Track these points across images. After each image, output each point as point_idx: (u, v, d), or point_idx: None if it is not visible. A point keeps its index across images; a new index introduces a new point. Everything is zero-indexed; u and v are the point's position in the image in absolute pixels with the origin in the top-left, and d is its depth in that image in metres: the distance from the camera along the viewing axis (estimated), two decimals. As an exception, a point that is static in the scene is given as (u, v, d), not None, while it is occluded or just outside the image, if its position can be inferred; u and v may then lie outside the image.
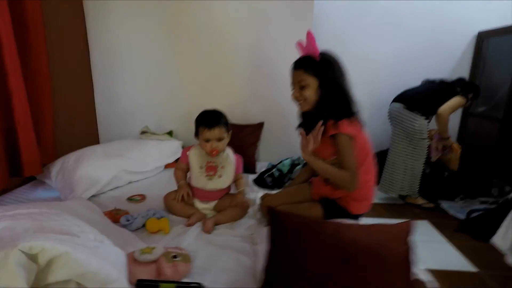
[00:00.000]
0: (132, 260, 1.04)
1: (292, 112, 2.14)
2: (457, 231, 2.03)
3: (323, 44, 1.23)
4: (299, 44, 1.27)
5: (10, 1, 1.43)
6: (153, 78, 2.25)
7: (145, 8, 2.10)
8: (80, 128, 2.17)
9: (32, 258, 0.71)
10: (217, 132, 1.35)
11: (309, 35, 1.20)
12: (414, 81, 2.39)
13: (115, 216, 1.35)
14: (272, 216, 0.90)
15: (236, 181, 1.51)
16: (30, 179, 1.78)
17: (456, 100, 2.15)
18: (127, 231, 1.24)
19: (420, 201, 2.42)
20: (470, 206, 2.35)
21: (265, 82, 2.22)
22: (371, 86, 2.65)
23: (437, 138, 2.35)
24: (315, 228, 0.82)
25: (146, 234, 1.25)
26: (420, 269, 0.98)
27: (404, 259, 0.77)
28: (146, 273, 1.00)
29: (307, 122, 1.33)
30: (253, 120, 2.26)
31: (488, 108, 2.62)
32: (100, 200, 1.56)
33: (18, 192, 1.61)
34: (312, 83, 1.21)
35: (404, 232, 0.81)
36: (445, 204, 2.43)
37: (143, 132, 2.17)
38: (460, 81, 2.27)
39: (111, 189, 1.70)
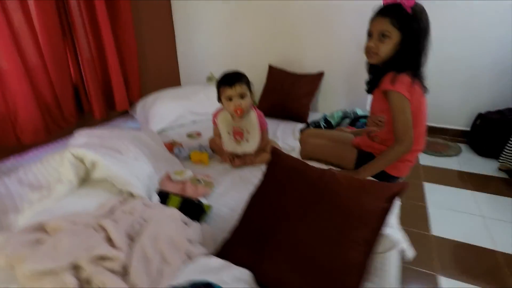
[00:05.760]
0: (168, 177, 1.31)
1: (353, 62, 2.10)
2: None
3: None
4: None
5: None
6: (223, 29, 2.40)
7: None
8: (164, 72, 2.54)
9: (80, 160, 1.02)
10: (238, 88, 1.33)
11: None
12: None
13: (171, 146, 1.65)
14: (273, 154, 0.94)
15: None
16: (125, 112, 2.27)
17: None
18: (175, 159, 1.52)
19: None
20: None
21: (325, 30, 2.10)
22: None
23: None
24: (303, 170, 0.83)
25: (190, 163, 1.52)
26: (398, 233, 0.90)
27: (376, 216, 0.72)
28: (173, 188, 1.24)
29: (373, 77, 1.23)
30: (313, 69, 2.21)
31: None
32: (167, 133, 1.91)
33: (115, 122, 2.13)
34: (394, 36, 1.05)
35: (391, 192, 0.75)
36: None
37: (209, 79, 2.39)
38: None
39: (178, 126, 2.03)
